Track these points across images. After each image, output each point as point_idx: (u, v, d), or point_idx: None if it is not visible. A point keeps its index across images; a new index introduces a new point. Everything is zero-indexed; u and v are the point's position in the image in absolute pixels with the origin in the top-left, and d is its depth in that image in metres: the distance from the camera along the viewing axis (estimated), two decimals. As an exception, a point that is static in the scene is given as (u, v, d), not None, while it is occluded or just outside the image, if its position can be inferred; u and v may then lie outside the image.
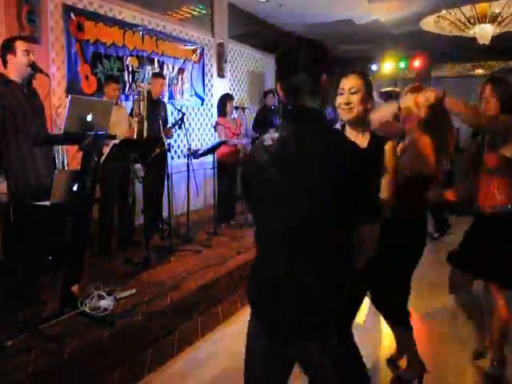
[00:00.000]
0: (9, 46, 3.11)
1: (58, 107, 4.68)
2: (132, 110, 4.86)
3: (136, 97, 5.40)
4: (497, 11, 7.67)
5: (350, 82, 2.07)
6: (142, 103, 4.73)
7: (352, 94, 2.05)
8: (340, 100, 2.09)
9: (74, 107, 2.80)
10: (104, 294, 3.23)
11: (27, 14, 4.31)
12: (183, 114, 5.21)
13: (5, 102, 3.00)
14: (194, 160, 5.32)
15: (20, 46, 3.10)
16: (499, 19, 7.77)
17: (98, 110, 2.99)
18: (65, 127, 2.80)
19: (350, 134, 2.11)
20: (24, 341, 2.66)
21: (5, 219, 3.07)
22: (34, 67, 3.12)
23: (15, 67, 3.11)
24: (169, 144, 5.37)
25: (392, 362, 2.88)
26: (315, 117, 1.44)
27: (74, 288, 3.03)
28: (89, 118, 2.89)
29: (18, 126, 3.05)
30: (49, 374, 2.50)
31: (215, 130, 6.10)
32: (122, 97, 5.41)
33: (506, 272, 2.59)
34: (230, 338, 3.36)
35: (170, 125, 5.40)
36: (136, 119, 4.60)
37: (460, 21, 8.20)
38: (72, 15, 4.90)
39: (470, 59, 11.39)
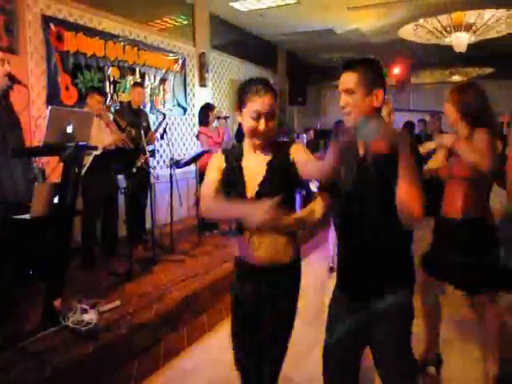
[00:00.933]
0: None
1: (37, 118, 4.61)
2: (114, 120, 4.82)
3: (117, 108, 5.41)
4: (471, 21, 7.85)
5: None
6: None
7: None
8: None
9: (53, 118, 2.77)
10: (87, 307, 3.18)
11: (4, 24, 4.26)
12: (164, 116, 5.20)
13: None
14: (177, 170, 5.29)
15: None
16: (474, 28, 7.95)
17: (78, 120, 2.96)
18: (45, 138, 2.76)
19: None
20: (5, 358, 2.59)
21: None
22: (11, 78, 3.07)
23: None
24: (153, 150, 5.32)
25: None
26: None
27: (56, 302, 2.98)
28: (69, 129, 2.87)
29: None
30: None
31: (197, 140, 6.09)
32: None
33: (469, 278, 2.59)
34: (215, 348, 3.33)
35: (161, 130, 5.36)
36: (125, 132, 4.59)
37: (437, 29, 8.37)
38: (51, 25, 4.86)
39: (447, 66, 11.60)
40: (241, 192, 1.90)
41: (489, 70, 11.35)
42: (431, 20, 8.11)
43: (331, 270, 4.84)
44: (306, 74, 11.32)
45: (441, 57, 10.33)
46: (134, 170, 4.57)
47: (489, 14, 7.74)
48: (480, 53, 10.09)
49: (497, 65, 11.00)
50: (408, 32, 8.76)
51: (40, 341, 2.80)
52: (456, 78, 11.69)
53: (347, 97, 1.72)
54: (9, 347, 2.66)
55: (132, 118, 4.97)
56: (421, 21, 8.17)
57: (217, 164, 1.97)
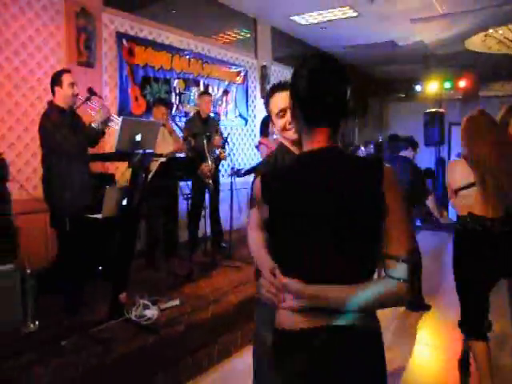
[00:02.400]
0: (57, 80, 3.42)
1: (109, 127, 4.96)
2: (183, 129, 5.05)
3: (186, 118, 5.69)
4: (547, 28, 7.53)
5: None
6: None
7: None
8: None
9: (125, 128, 3.01)
10: (149, 303, 3.39)
11: (84, 41, 4.65)
12: (226, 138, 5.44)
13: (63, 128, 3.26)
14: (237, 179, 5.49)
15: (66, 79, 3.40)
16: (550, 36, 7.62)
17: (146, 130, 3.19)
18: (116, 146, 3.01)
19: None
20: (76, 342, 2.86)
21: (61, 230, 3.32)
22: (91, 91, 3.37)
23: (62, 97, 3.41)
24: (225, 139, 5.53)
25: None
26: None
27: (122, 296, 3.21)
28: (138, 137, 3.10)
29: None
30: (96, 374, 2.66)
31: (258, 150, 6.26)
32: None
33: None
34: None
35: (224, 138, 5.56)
36: (185, 143, 4.83)
37: (508, 39, 8.10)
38: (124, 41, 5.23)
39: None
40: None
41: None
42: (502, 29, 7.87)
43: None
44: (367, 87, 11.27)
45: (512, 67, 9.94)
46: (206, 182, 4.84)
47: None
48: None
49: None
50: (476, 43, 8.53)
51: (105, 330, 3.04)
52: (531, 90, 11.17)
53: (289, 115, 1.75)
54: (78, 333, 2.91)
55: (201, 126, 5.19)
56: (490, 30, 7.95)
57: None
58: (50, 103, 3.44)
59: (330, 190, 1.24)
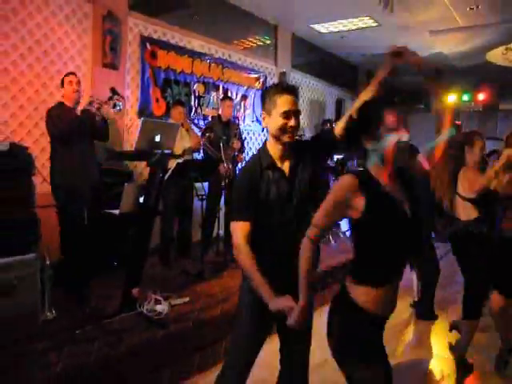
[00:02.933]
0: (61, 82, 3.79)
1: (129, 127, 5.14)
2: (203, 132, 5.17)
3: (204, 121, 5.83)
4: None
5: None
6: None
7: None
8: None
9: (145, 128, 3.15)
10: (160, 299, 3.51)
11: (110, 44, 4.82)
12: (243, 142, 5.56)
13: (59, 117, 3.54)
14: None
15: (66, 79, 3.74)
16: None
17: (165, 131, 3.33)
18: (136, 145, 3.15)
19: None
20: (89, 331, 3.00)
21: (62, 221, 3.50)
22: (113, 91, 3.52)
23: (65, 95, 3.75)
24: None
25: None
26: None
27: (135, 291, 3.33)
28: (157, 138, 3.23)
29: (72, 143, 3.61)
30: (107, 364, 2.78)
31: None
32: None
33: None
34: (270, 352, 3.50)
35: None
36: (204, 137, 4.95)
37: (528, 54, 8.08)
38: (147, 44, 5.40)
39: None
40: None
41: None
42: (522, 43, 7.86)
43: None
44: (387, 96, 11.28)
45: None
46: (223, 183, 4.98)
47: None
48: None
49: None
50: (496, 56, 8.52)
51: (118, 322, 3.18)
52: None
53: (296, 119, 1.95)
54: (92, 323, 3.04)
55: (222, 129, 5.29)
56: (511, 44, 7.95)
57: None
58: (58, 102, 3.75)
59: None
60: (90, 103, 3.62)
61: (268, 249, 1.95)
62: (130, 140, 4.99)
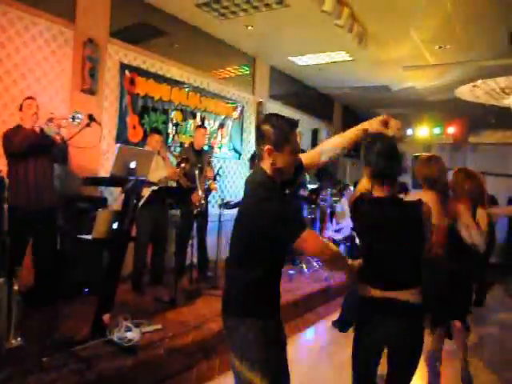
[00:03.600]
0: (20, 106, 3.93)
1: (106, 152, 5.15)
2: (179, 162, 5.20)
3: (180, 148, 5.89)
4: (532, 83, 7.87)
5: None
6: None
7: None
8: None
9: (120, 155, 3.19)
10: (131, 325, 3.47)
11: (89, 70, 4.87)
12: (218, 171, 5.64)
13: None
14: (227, 211, 5.64)
15: (25, 103, 3.88)
16: (534, 91, 7.95)
17: (140, 158, 3.37)
18: (111, 171, 3.17)
19: None
20: (57, 359, 2.93)
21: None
22: (90, 117, 3.55)
23: (23, 118, 3.87)
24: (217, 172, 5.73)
25: None
26: None
27: (105, 317, 3.30)
28: (132, 164, 3.26)
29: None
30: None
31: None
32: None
33: None
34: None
35: (215, 171, 5.76)
36: (179, 167, 4.98)
37: (495, 91, 8.44)
38: (127, 72, 5.47)
39: (509, 127, 11.46)
40: None
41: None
42: (489, 81, 8.22)
43: None
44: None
45: (502, 117, 10.28)
46: (195, 212, 5.01)
47: (550, 78, 7.74)
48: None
49: None
50: (465, 92, 8.87)
51: (87, 349, 3.11)
52: (519, 139, 11.52)
53: None
54: (61, 350, 2.98)
55: (194, 157, 5.35)
56: (478, 82, 8.31)
57: None
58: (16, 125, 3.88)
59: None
60: (50, 120, 3.66)
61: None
62: (107, 166, 4.99)
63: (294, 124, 1.97)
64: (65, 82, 4.78)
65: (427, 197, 2.74)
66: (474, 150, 12.34)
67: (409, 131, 11.02)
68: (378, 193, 2.18)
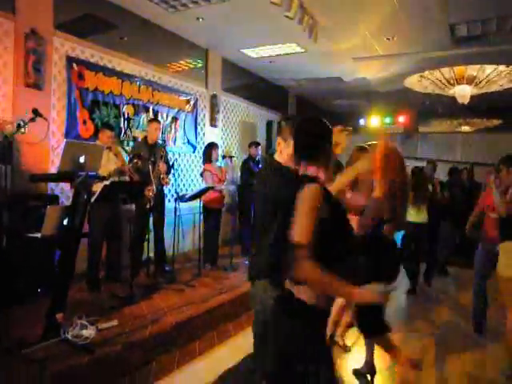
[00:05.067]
0: None
1: (56, 148, 5.00)
2: (131, 159, 5.12)
3: (133, 143, 5.80)
4: (474, 74, 8.24)
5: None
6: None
7: None
8: None
9: (68, 150, 3.12)
10: (86, 323, 3.41)
11: (33, 63, 4.70)
12: (172, 165, 5.61)
13: None
14: (183, 204, 5.61)
15: None
16: (476, 81, 8.32)
17: (89, 152, 3.30)
18: (59, 167, 3.09)
19: None
20: (8, 362, 2.84)
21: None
22: (34, 112, 3.44)
23: None
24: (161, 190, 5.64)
25: None
26: None
27: (59, 316, 3.23)
28: (81, 159, 3.20)
29: None
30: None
31: (201, 176, 6.42)
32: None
33: None
34: (203, 372, 3.52)
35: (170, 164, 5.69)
36: (131, 163, 4.91)
37: (440, 81, 8.77)
38: (74, 65, 5.32)
39: (456, 116, 11.92)
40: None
41: (497, 122, 11.65)
42: (435, 72, 8.53)
43: None
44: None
45: (449, 107, 10.68)
46: (148, 206, 4.96)
47: (490, 69, 8.12)
48: (488, 104, 10.46)
49: (505, 117, 11.30)
50: (413, 82, 9.19)
51: (40, 350, 3.04)
52: (465, 128, 12.01)
53: None
54: (13, 353, 2.90)
55: (148, 152, 5.29)
56: (425, 72, 8.60)
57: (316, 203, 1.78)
58: None
59: None
60: None
61: None
62: (57, 163, 4.84)
63: None
64: (7, 77, 4.59)
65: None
66: (423, 139, 12.79)
67: (361, 121, 11.28)
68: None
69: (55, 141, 5.05)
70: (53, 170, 4.87)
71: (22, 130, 3.37)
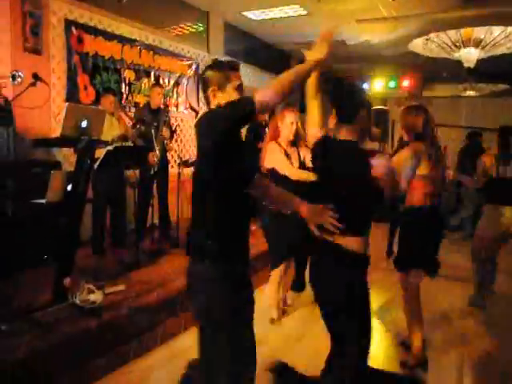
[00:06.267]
0: None
1: (57, 114, 4.95)
2: (134, 124, 5.06)
3: (135, 109, 5.73)
4: (481, 36, 8.03)
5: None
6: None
7: None
8: None
9: (69, 114, 3.07)
10: (94, 288, 3.44)
11: (31, 27, 4.60)
12: (174, 130, 5.56)
13: None
14: (186, 170, 5.58)
15: None
16: (483, 44, 8.13)
17: (92, 117, 3.25)
18: (61, 132, 3.06)
19: None
20: (18, 326, 2.89)
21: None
22: (34, 76, 3.39)
23: None
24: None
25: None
26: None
27: (66, 281, 3.26)
28: (83, 124, 3.15)
29: None
30: (39, 356, 2.71)
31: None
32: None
33: None
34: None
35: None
36: (134, 128, 4.86)
37: (446, 44, 8.56)
38: (73, 29, 5.20)
39: (460, 81, 11.71)
40: None
41: (503, 87, 11.44)
42: (441, 34, 8.33)
43: None
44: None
45: (454, 71, 10.48)
46: (152, 172, 4.95)
47: (498, 31, 7.91)
48: (494, 69, 10.25)
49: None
50: (418, 46, 8.97)
51: (48, 314, 3.09)
52: (470, 93, 11.81)
53: None
54: (21, 317, 2.94)
55: (151, 117, 5.23)
56: (431, 35, 8.39)
57: None
58: None
59: None
60: None
61: None
62: (58, 128, 4.80)
63: (234, 65, 2.04)
64: (4, 40, 4.49)
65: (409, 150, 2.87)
66: (428, 104, 12.58)
67: (365, 85, 11.11)
68: (343, 136, 2.19)
69: (56, 106, 4.99)
70: (54, 135, 4.83)
71: (19, 79, 3.29)
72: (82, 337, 3.00)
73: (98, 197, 4.62)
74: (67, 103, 3.25)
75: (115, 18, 5.82)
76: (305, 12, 7.26)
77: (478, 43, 8.23)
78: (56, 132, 4.81)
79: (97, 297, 3.38)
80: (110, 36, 5.71)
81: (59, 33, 5.05)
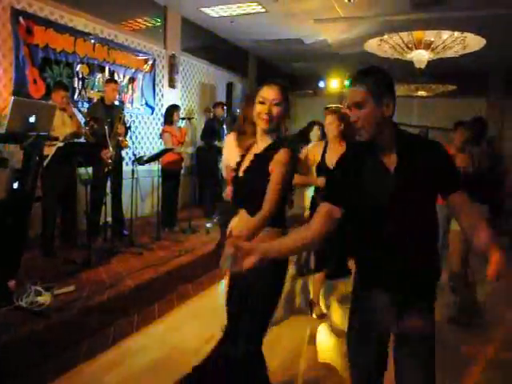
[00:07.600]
0: None
1: (3, 109, 4.74)
2: (85, 114, 4.94)
3: (88, 104, 5.58)
4: (431, 39, 8.32)
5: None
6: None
7: (275, 105, 2.06)
8: (261, 109, 2.07)
9: (16, 109, 2.95)
10: (41, 289, 3.35)
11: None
12: (129, 127, 5.46)
13: None
14: (141, 167, 5.50)
15: None
16: (433, 46, 8.42)
17: (41, 112, 3.15)
18: (7, 127, 2.94)
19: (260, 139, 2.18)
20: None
21: None
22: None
23: None
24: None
25: None
26: None
27: (11, 283, 3.14)
28: (31, 119, 3.05)
29: None
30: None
31: (160, 138, 6.30)
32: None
33: None
34: (163, 333, 3.54)
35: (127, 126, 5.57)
36: (87, 126, 4.74)
37: (399, 45, 8.81)
38: (21, 19, 5.00)
39: (413, 81, 12.04)
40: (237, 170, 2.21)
41: (451, 88, 11.87)
42: (394, 36, 8.56)
43: None
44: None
45: (406, 72, 10.77)
46: (106, 170, 4.84)
47: (446, 34, 8.21)
48: (444, 70, 10.62)
49: (460, 83, 11.53)
50: (373, 46, 9.17)
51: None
52: (421, 93, 12.18)
53: (357, 111, 1.68)
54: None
55: (105, 113, 5.11)
56: (385, 36, 8.61)
57: None
58: None
59: None
60: None
61: None
62: (5, 123, 4.62)
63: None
64: None
65: None
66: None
67: (321, 84, 11.27)
68: None
69: (2, 101, 4.79)
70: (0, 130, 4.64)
71: None
72: (29, 340, 2.91)
73: (48, 195, 4.48)
74: (13, 97, 3.12)
75: (67, 10, 5.64)
76: (263, 10, 7.27)
77: (428, 46, 8.52)
78: (2, 127, 4.65)
79: (45, 298, 3.30)
80: (62, 28, 5.53)
81: (4, 22, 4.84)
